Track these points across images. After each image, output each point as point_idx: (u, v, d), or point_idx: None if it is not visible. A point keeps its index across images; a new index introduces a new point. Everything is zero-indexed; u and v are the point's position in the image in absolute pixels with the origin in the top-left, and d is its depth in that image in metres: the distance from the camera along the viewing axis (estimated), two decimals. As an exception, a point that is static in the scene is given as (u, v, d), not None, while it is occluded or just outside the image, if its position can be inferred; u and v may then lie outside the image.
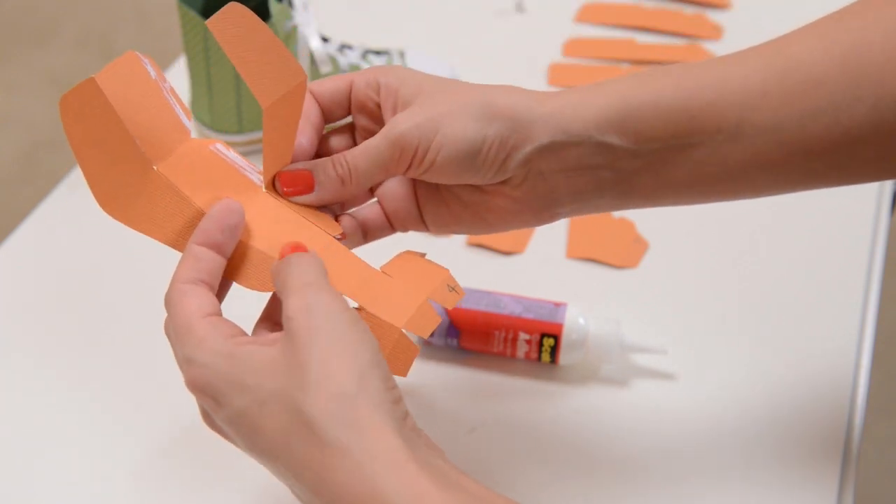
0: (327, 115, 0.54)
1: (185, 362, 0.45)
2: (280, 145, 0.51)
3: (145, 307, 0.75)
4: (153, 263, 0.77)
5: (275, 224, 0.50)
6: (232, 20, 0.48)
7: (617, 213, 0.82)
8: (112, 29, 2.41)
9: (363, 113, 0.54)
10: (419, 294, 0.50)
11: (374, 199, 0.56)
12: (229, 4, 0.49)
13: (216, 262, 0.47)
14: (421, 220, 0.56)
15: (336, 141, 0.55)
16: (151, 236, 0.49)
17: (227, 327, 0.45)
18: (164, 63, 1.35)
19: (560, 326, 0.67)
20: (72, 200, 0.85)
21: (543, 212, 0.54)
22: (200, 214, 0.49)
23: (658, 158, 0.52)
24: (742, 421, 0.65)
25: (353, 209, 0.56)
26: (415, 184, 0.55)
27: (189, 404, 0.66)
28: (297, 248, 0.48)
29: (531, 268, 0.78)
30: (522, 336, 0.67)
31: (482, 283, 0.72)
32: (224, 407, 0.43)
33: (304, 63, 0.84)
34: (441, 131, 0.50)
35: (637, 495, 0.61)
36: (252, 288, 0.49)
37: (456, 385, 0.68)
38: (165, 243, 0.49)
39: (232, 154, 0.53)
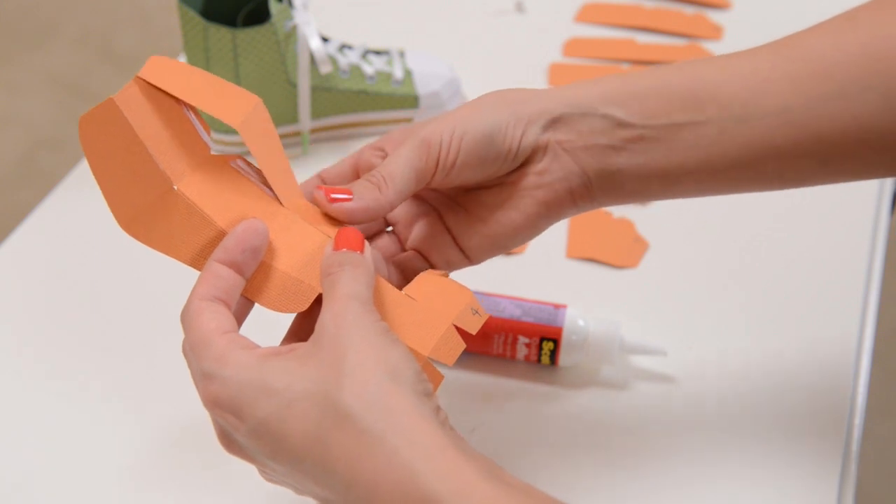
0: None
1: (203, 378, 0.44)
2: (273, 159, 0.51)
3: (145, 307, 0.75)
4: (153, 264, 0.77)
5: (297, 242, 0.49)
6: (162, 67, 0.49)
7: (617, 213, 0.82)
8: (112, 29, 2.41)
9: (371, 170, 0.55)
10: (443, 319, 0.49)
11: (409, 252, 0.56)
12: (151, 58, 0.50)
13: (235, 282, 0.47)
14: (462, 252, 0.55)
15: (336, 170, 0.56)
16: (172, 256, 0.49)
17: (246, 342, 0.45)
18: (164, 63, 1.36)
19: (559, 330, 0.67)
20: (72, 200, 0.85)
21: (579, 192, 0.54)
22: (221, 234, 0.48)
23: (667, 133, 0.52)
24: (741, 421, 0.65)
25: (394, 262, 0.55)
26: (443, 219, 0.55)
27: (190, 404, 0.66)
28: (354, 239, 0.48)
29: (531, 268, 0.78)
30: (522, 339, 0.67)
31: (482, 283, 0.72)
32: (246, 420, 0.43)
33: (304, 63, 0.84)
34: (459, 123, 0.51)
35: (637, 496, 0.61)
36: (273, 308, 0.48)
37: (456, 386, 0.68)
38: (186, 263, 0.49)
39: (252, 171, 0.53)
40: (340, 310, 0.44)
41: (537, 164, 0.53)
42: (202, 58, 0.84)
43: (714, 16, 1.08)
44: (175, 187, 0.48)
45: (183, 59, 0.98)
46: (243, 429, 0.43)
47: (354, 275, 0.46)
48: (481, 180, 0.53)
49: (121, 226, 0.49)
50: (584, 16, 1.09)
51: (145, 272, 0.77)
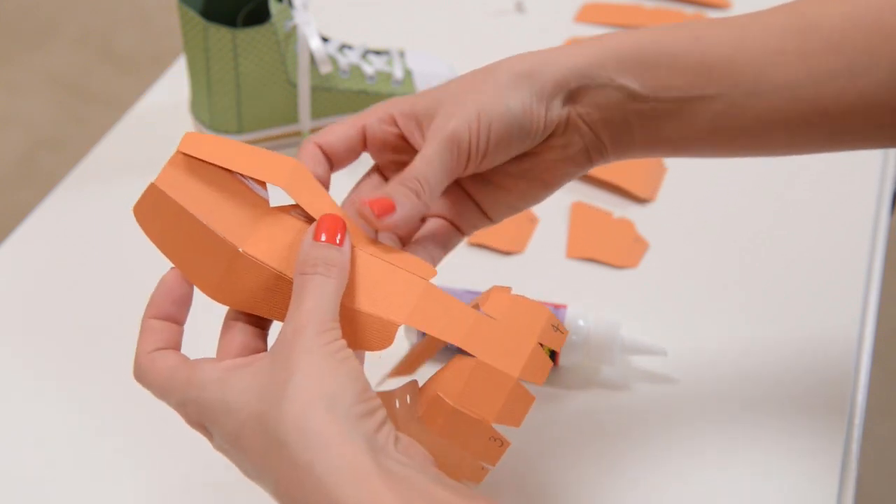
0: (336, 164, 0.54)
1: (179, 408, 0.46)
2: (322, 203, 0.50)
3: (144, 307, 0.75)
4: (153, 264, 0.77)
5: (368, 278, 0.49)
6: (197, 142, 0.49)
7: (617, 213, 0.82)
8: (112, 29, 2.41)
9: (386, 150, 0.54)
10: (528, 338, 0.48)
11: (437, 220, 0.56)
12: (186, 134, 0.50)
13: (173, 330, 0.48)
14: (484, 214, 0.56)
15: (367, 187, 0.55)
16: (258, 314, 0.48)
17: (207, 360, 0.47)
18: (164, 63, 1.35)
19: (560, 328, 0.67)
20: (72, 200, 0.85)
21: (593, 154, 0.55)
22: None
23: (678, 107, 0.53)
24: (741, 421, 0.65)
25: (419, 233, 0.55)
26: (462, 186, 0.56)
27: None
28: (334, 227, 0.47)
29: (531, 268, 0.78)
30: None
31: (482, 283, 0.72)
32: (215, 436, 0.45)
33: (304, 63, 0.84)
34: (483, 112, 0.51)
35: (637, 496, 0.61)
36: (375, 350, 0.48)
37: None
38: (270, 317, 0.49)
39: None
40: (299, 325, 0.44)
41: (560, 138, 0.53)
42: (202, 58, 0.84)
43: (714, 16, 1.08)
44: (240, 249, 0.47)
45: (183, 59, 0.98)
46: (216, 443, 0.46)
47: (323, 284, 0.46)
48: (507, 159, 0.54)
49: (209, 296, 0.49)
50: (584, 16, 1.09)
51: (145, 272, 0.77)
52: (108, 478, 0.63)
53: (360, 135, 0.54)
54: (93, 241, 0.81)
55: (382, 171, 0.56)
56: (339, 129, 0.53)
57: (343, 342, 0.45)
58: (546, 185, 0.55)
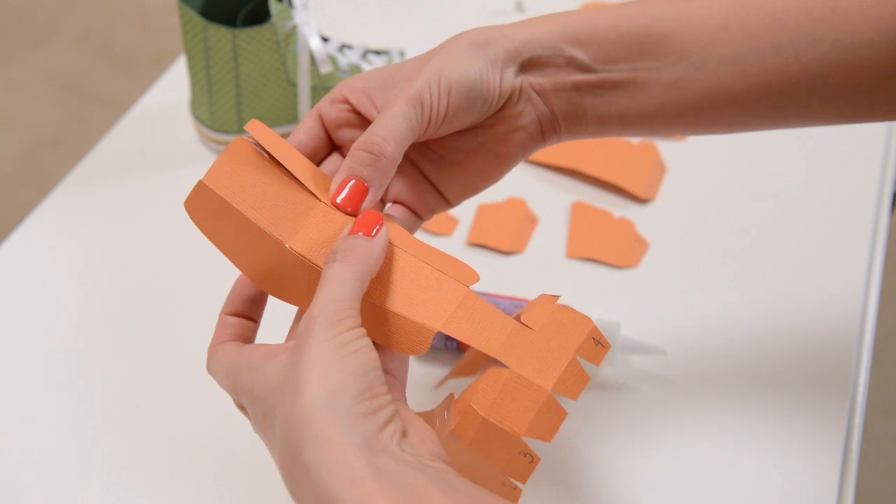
0: (314, 159, 0.54)
1: (229, 392, 0.48)
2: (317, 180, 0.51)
3: (144, 307, 0.75)
4: (152, 264, 0.77)
5: (408, 281, 0.48)
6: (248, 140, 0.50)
7: (617, 213, 0.82)
8: (112, 29, 2.41)
9: (343, 126, 0.54)
10: (566, 351, 0.47)
11: (390, 205, 0.56)
12: (251, 121, 0.51)
13: (245, 327, 0.51)
14: (441, 197, 0.56)
15: (333, 165, 0.55)
16: (303, 308, 0.49)
17: (251, 347, 0.48)
18: (164, 63, 1.35)
19: (560, 327, 0.67)
20: (72, 200, 0.85)
21: (546, 127, 0.55)
22: None
23: (627, 79, 0.54)
24: (741, 421, 0.65)
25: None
26: (418, 166, 0.56)
27: (189, 403, 0.66)
28: (369, 222, 0.47)
29: (531, 268, 0.78)
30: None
31: (482, 283, 0.72)
32: (250, 418, 0.47)
33: (304, 63, 0.84)
34: (443, 75, 0.51)
35: (637, 496, 0.61)
36: (410, 354, 0.48)
37: (456, 387, 0.68)
38: None
39: None
40: (312, 317, 0.44)
41: (513, 108, 0.54)
42: (202, 58, 0.84)
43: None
44: (287, 245, 0.48)
45: (183, 59, 0.98)
46: (253, 425, 0.47)
47: (341, 271, 0.46)
48: (462, 128, 0.54)
49: (258, 286, 0.50)
50: (584, 16, 1.08)
51: (145, 272, 0.77)
52: (108, 477, 0.63)
53: (319, 122, 0.54)
54: (93, 241, 0.81)
55: (343, 152, 0.55)
56: (302, 125, 0.54)
57: (358, 332, 0.44)
58: (500, 160, 0.55)
